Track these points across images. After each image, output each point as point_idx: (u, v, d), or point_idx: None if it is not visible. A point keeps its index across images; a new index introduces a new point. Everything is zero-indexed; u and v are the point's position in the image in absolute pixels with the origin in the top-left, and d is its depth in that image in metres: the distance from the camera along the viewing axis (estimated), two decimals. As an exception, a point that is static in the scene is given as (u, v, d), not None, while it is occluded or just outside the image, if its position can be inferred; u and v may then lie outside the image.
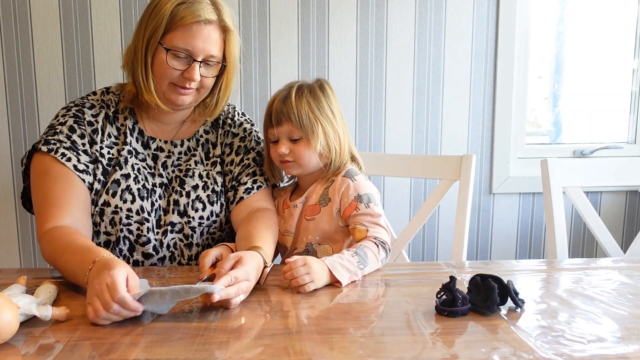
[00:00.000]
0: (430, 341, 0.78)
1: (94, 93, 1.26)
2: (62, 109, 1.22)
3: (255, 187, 1.25)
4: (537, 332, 0.80)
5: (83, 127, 1.18)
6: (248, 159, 1.28)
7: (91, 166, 1.16)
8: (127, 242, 1.18)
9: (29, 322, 0.83)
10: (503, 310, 0.89)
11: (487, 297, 0.87)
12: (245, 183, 1.26)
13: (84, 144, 1.17)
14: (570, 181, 1.47)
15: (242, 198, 1.24)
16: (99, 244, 1.17)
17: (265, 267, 1.02)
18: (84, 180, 1.14)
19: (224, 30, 1.17)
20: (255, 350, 0.74)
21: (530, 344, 0.76)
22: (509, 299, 0.90)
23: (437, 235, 1.94)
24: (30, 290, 0.92)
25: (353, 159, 1.26)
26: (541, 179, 1.46)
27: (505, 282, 0.90)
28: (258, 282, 1.00)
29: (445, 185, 1.49)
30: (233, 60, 1.20)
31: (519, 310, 0.89)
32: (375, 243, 1.11)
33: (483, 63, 1.85)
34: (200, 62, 1.14)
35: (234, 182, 1.27)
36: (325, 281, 1.01)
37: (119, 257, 1.11)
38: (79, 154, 1.16)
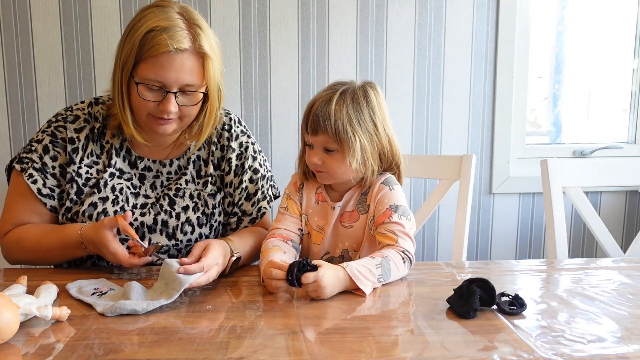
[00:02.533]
0: (430, 341, 0.78)
1: (82, 102, 1.22)
2: (47, 121, 1.21)
3: (259, 216, 1.28)
4: (537, 332, 0.80)
5: (57, 149, 1.16)
6: (245, 180, 1.25)
7: (57, 190, 1.17)
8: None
9: (29, 322, 0.83)
10: (503, 310, 0.89)
11: (466, 302, 0.86)
12: (251, 214, 1.27)
13: (54, 167, 1.17)
14: (570, 181, 1.47)
15: (246, 227, 1.27)
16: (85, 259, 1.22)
17: (232, 256, 1.07)
18: (45, 204, 1.17)
19: (202, 55, 1.07)
20: (255, 350, 0.74)
21: (530, 344, 0.76)
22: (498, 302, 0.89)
23: (437, 235, 1.94)
24: (30, 290, 0.92)
25: (397, 168, 1.17)
26: (541, 179, 1.46)
27: (492, 286, 0.88)
28: (224, 271, 1.05)
29: (445, 185, 1.49)
30: (213, 86, 1.11)
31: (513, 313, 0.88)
32: (402, 257, 1.04)
33: (483, 63, 1.85)
34: (176, 92, 1.07)
35: (236, 210, 1.26)
36: (341, 288, 0.96)
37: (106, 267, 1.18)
38: (47, 177, 1.16)
